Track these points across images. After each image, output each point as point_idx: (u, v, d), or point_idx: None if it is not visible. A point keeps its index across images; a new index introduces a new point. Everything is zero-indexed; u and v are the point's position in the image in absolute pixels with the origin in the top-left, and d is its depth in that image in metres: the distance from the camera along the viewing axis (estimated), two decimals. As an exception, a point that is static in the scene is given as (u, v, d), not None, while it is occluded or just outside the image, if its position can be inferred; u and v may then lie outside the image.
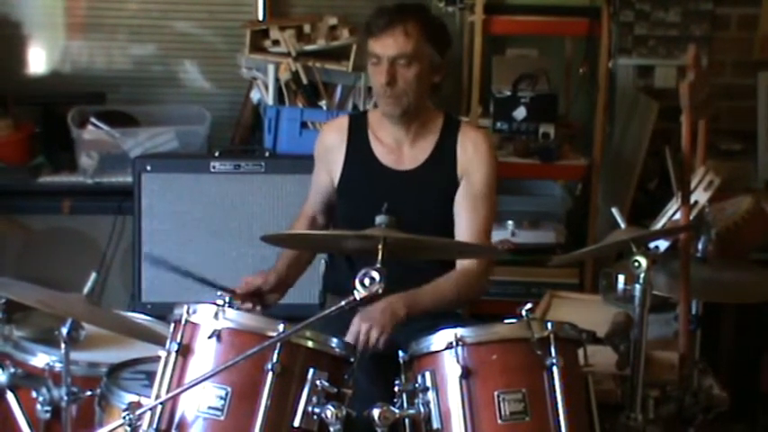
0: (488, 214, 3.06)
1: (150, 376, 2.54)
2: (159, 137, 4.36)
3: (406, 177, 3.08)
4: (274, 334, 2.31)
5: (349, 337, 2.69)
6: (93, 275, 2.70)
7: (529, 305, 2.42)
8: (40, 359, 2.79)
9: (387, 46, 2.95)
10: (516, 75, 4.38)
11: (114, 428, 2.34)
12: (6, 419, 2.69)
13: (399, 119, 3.04)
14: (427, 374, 2.40)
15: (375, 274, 2.34)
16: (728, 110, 4.68)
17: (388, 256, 2.44)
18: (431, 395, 2.38)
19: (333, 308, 2.36)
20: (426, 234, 2.58)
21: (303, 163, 3.25)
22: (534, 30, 4.35)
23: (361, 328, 2.72)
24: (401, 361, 2.48)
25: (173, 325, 2.43)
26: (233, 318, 2.36)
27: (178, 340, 2.38)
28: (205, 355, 2.36)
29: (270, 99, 4.36)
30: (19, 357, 2.83)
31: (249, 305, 2.97)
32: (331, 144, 3.17)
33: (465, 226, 3.04)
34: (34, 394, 2.65)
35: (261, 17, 4.70)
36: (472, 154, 3.06)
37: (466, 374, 2.35)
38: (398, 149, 3.11)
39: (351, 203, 3.12)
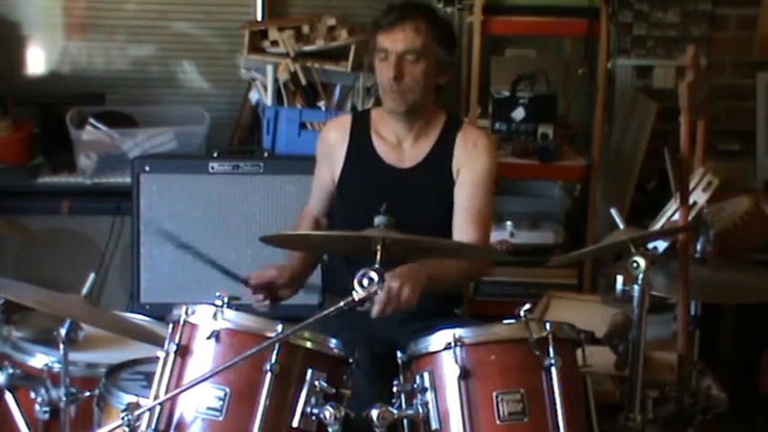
0: (485, 203, 3.05)
1: (149, 377, 2.54)
2: (158, 137, 4.35)
3: (405, 175, 3.08)
4: (273, 334, 2.31)
5: (381, 297, 2.55)
6: (92, 276, 2.69)
7: (527, 305, 2.42)
8: (39, 360, 2.79)
9: (396, 40, 2.96)
10: (515, 75, 4.38)
11: (113, 429, 2.34)
12: (5, 420, 2.68)
13: (403, 115, 3.04)
14: (426, 375, 2.40)
15: (373, 275, 2.34)
16: (727, 110, 4.68)
17: (386, 256, 2.44)
18: (429, 396, 2.38)
19: (331, 308, 2.36)
20: (421, 232, 2.57)
21: (302, 164, 3.24)
22: (533, 30, 4.35)
23: (391, 287, 2.60)
24: (400, 361, 2.47)
25: (171, 326, 2.43)
26: (231, 318, 2.36)
27: (177, 341, 2.38)
28: (204, 355, 2.36)
29: (269, 100, 4.36)
30: (18, 358, 2.83)
31: (260, 296, 2.96)
32: (333, 141, 3.17)
33: (462, 209, 3.03)
34: (33, 395, 2.65)
35: (259, 18, 4.69)
36: (471, 149, 3.07)
37: (464, 375, 2.35)
38: (400, 147, 3.11)
39: (350, 201, 3.11)
